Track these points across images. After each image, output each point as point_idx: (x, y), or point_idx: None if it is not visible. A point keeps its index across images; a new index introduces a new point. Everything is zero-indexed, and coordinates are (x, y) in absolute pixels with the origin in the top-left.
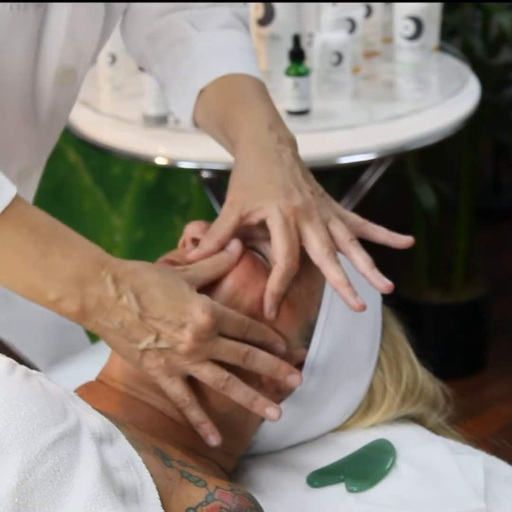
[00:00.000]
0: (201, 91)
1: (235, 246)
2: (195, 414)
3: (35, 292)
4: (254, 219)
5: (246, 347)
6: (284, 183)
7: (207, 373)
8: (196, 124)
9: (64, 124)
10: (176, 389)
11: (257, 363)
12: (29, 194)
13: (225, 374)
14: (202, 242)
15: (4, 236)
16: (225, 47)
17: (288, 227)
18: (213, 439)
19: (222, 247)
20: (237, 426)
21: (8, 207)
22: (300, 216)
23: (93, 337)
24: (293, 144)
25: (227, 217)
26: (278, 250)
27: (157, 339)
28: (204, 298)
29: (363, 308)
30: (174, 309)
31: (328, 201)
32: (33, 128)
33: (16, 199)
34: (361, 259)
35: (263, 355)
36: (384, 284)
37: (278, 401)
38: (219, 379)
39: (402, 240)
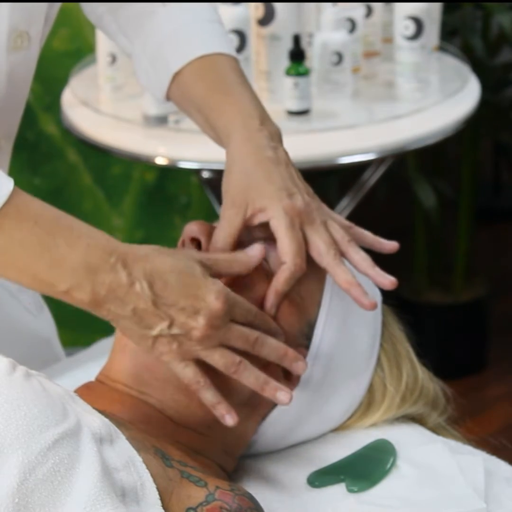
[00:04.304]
0: (176, 73)
1: (256, 251)
2: (210, 395)
3: (44, 284)
4: (256, 220)
5: (256, 333)
6: (284, 184)
7: (218, 358)
8: (168, 99)
9: (27, 92)
10: (189, 372)
11: (265, 349)
12: (2, 167)
13: (237, 358)
14: (211, 251)
15: (5, 232)
16: (195, 21)
17: (294, 228)
18: (230, 418)
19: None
20: (237, 426)
21: (7, 202)
22: (303, 218)
23: (74, 343)
24: (281, 140)
25: (231, 221)
26: (287, 251)
27: (170, 325)
28: (217, 284)
29: (375, 306)
30: (187, 296)
31: (319, 203)
32: None
33: (15, 193)
34: (361, 259)
35: (271, 341)
36: (388, 280)
37: None
38: (231, 363)
39: (387, 246)
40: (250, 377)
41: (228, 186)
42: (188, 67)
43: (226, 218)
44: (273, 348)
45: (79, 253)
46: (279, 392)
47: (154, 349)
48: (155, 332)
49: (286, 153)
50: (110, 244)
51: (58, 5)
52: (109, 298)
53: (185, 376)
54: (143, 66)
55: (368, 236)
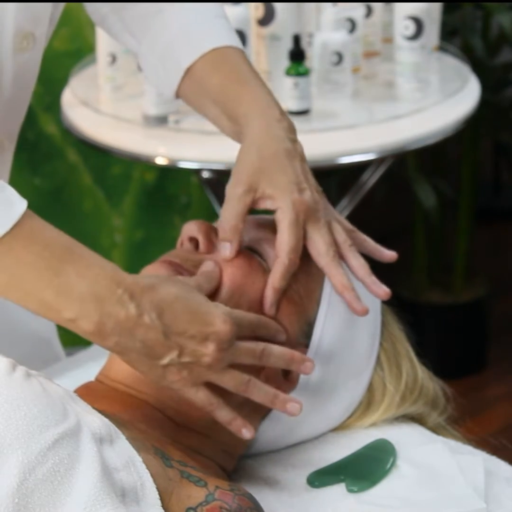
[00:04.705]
0: (188, 68)
1: (211, 265)
2: (224, 414)
3: (50, 310)
4: (262, 206)
5: (261, 345)
6: (297, 178)
7: (228, 380)
8: (177, 96)
9: (31, 92)
10: (202, 396)
11: (272, 359)
12: (4, 168)
13: (245, 377)
14: (223, 232)
15: (15, 253)
16: (202, 17)
17: (297, 224)
18: (247, 432)
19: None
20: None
21: (18, 223)
22: (308, 215)
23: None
24: (296, 134)
25: (241, 199)
26: (284, 245)
27: (180, 354)
28: (220, 307)
29: (366, 312)
30: (195, 323)
31: (326, 203)
32: None
33: (27, 215)
34: (359, 265)
35: (276, 349)
36: (383, 291)
37: None
38: (240, 383)
39: (387, 255)
40: (260, 393)
41: (241, 167)
42: (200, 61)
43: (235, 196)
44: (279, 356)
45: (87, 283)
46: (289, 404)
47: (164, 379)
48: (165, 361)
49: (302, 148)
50: (118, 275)
51: (62, 5)
52: (116, 330)
53: (198, 400)
54: (152, 64)
55: (369, 242)
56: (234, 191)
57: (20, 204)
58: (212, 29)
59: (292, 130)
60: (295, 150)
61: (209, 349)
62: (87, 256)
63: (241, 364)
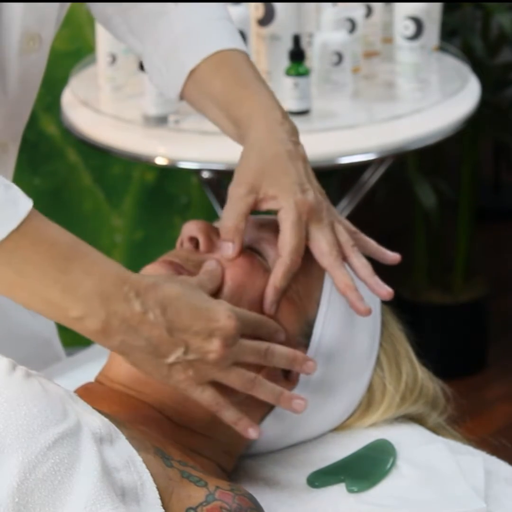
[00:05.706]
0: (192, 70)
1: (214, 263)
2: (231, 414)
3: (55, 309)
4: (265, 206)
5: (265, 344)
6: (300, 179)
7: (234, 378)
8: (181, 98)
9: (35, 93)
10: (208, 396)
11: (276, 358)
12: (7, 169)
13: (251, 375)
14: (225, 232)
15: (21, 251)
16: (206, 20)
17: (300, 224)
18: (253, 432)
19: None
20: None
21: (24, 221)
22: (311, 216)
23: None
24: (299, 137)
25: (243, 199)
26: (286, 245)
27: (186, 351)
28: (224, 304)
29: (369, 312)
30: (200, 319)
31: (329, 205)
32: (3, 102)
33: (33, 214)
34: (362, 265)
35: (280, 349)
36: (386, 291)
37: None
38: (247, 381)
39: (390, 256)
40: (266, 391)
41: (243, 168)
42: (204, 63)
43: (238, 196)
44: (283, 355)
45: (93, 280)
46: (294, 401)
47: (170, 378)
48: (170, 360)
49: (304, 150)
50: (123, 273)
51: (67, 5)
52: (122, 328)
53: (204, 400)
54: (156, 65)
55: (371, 244)
56: (236, 191)
57: (25, 203)
58: (216, 32)
59: (294, 132)
60: (297, 151)
61: (215, 345)
62: (91, 253)
63: (245, 362)
